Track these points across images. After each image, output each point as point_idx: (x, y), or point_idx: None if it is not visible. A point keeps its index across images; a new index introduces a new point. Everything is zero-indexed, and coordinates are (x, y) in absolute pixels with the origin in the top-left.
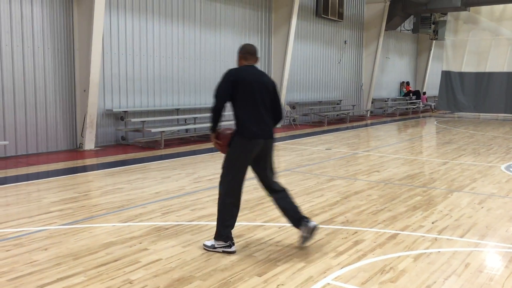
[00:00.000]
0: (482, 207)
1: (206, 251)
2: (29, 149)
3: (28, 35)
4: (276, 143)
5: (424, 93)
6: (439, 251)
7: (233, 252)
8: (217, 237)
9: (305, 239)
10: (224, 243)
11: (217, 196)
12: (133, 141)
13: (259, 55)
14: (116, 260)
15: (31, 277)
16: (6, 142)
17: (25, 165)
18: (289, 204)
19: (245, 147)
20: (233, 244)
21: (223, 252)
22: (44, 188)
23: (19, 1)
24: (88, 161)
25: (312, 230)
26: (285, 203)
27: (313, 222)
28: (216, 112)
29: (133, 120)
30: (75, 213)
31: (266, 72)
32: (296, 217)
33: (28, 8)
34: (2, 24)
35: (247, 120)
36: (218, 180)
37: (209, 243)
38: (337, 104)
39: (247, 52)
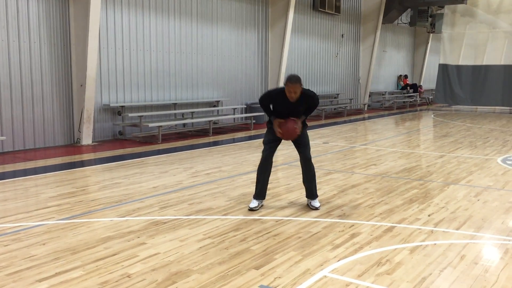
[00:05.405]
0: (478, 200)
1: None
2: (27, 145)
3: (24, 30)
4: None
5: (420, 86)
6: (435, 244)
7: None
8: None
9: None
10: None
11: (212, 190)
12: (130, 136)
13: (257, 50)
14: (114, 254)
15: (29, 272)
16: (4, 138)
17: (23, 160)
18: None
19: None
20: None
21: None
22: (42, 183)
23: None
24: (86, 156)
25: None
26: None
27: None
28: None
29: (130, 115)
30: (73, 208)
31: (263, 66)
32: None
33: (23, 3)
34: None
35: None
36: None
37: (317, 204)
38: (335, 98)
39: None
